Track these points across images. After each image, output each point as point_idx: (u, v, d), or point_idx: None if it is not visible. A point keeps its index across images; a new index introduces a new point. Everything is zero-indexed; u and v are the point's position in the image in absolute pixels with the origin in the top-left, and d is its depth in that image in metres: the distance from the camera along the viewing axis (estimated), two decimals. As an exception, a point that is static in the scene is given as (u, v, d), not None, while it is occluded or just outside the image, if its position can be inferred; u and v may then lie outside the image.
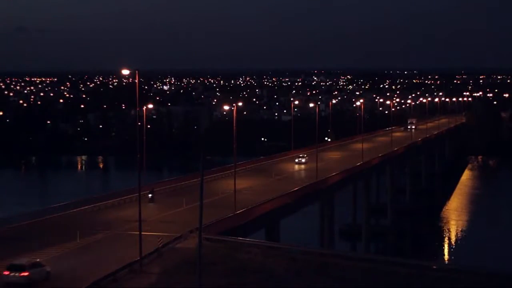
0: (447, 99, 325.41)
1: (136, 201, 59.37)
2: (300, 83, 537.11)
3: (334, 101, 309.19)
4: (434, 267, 53.24)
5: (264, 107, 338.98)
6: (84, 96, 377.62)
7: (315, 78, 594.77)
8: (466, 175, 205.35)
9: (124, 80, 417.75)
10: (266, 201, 74.27)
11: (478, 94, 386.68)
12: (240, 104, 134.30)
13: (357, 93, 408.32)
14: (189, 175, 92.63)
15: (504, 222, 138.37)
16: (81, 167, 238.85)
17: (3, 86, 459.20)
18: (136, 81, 54.98)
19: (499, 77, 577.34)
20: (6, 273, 43.79)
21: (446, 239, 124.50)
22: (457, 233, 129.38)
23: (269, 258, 51.98)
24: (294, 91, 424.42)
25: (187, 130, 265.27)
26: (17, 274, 43.57)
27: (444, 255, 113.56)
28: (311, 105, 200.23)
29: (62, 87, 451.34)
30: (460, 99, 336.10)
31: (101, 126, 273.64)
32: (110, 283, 43.80)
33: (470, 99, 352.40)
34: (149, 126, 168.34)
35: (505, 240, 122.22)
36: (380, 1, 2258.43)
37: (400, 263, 51.19)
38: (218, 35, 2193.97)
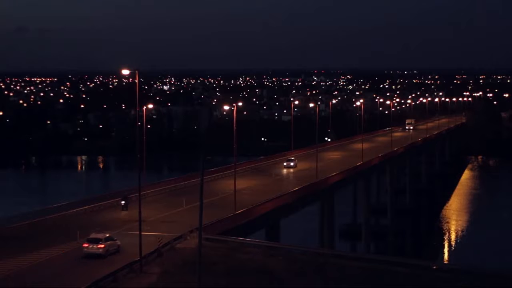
0: (447, 99, 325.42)
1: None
2: (300, 83, 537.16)
3: (334, 101, 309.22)
4: (434, 267, 53.27)
5: (264, 107, 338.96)
6: (84, 96, 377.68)
7: (315, 78, 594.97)
8: (466, 175, 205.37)
9: (124, 80, 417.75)
10: (266, 201, 74.26)
11: (478, 94, 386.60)
12: (240, 104, 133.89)
13: (357, 93, 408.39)
14: (189, 175, 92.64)
15: (504, 222, 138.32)
16: (81, 167, 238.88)
17: (3, 86, 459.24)
18: (136, 81, 55.01)
19: (499, 77, 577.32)
20: (86, 245, 51.41)
21: (446, 239, 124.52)
22: (457, 233, 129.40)
23: (269, 258, 51.98)
24: (294, 91, 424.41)
25: (187, 130, 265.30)
26: (94, 246, 51.21)
27: (444, 255, 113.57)
28: (311, 105, 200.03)
29: (62, 87, 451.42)
30: (460, 99, 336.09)
31: (101, 126, 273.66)
32: (110, 283, 43.82)
33: (470, 99, 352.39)
34: (149, 126, 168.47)
35: (505, 240, 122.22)
36: (380, 1, 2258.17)
37: (400, 263, 51.20)
38: (218, 35, 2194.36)
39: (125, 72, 56.75)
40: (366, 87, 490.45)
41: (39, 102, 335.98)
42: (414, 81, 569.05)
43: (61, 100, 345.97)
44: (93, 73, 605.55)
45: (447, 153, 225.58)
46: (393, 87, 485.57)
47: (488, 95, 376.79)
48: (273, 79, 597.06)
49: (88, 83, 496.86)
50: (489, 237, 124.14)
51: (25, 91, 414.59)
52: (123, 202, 71.73)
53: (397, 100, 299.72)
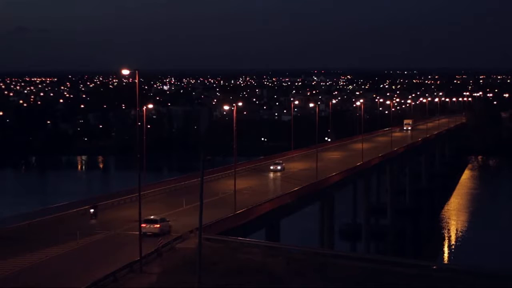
0: (447, 99, 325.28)
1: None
2: (300, 83, 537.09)
3: (334, 101, 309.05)
4: (434, 267, 53.26)
5: (264, 107, 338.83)
6: (84, 96, 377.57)
7: (315, 78, 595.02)
8: (466, 175, 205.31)
9: (124, 80, 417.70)
10: (266, 201, 74.27)
11: (478, 94, 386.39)
12: (240, 104, 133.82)
13: (357, 93, 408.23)
14: (189, 175, 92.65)
15: (504, 222, 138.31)
16: (81, 167, 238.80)
17: (3, 86, 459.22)
18: (136, 81, 55.03)
19: (499, 77, 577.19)
20: (144, 225, 56.54)
21: (446, 239, 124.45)
22: (457, 233, 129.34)
23: (269, 258, 51.96)
24: (294, 91, 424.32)
25: (187, 130, 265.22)
26: (151, 226, 58.68)
27: (444, 255, 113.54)
28: (311, 105, 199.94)
29: (62, 87, 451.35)
30: (460, 99, 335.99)
31: (101, 126, 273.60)
32: (110, 283, 43.82)
33: (470, 99, 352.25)
34: (149, 126, 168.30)
35: (505, 240, 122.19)
36: (380, 2, 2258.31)
37: (400, 263, 51.19)
38: (218, 35, 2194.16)
39: (125, 72, 56.78)
40: (366, 87, 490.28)
41: (39, 102, 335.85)
42: (414, 81, 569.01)
43: (61, 100, 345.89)
44: (93, 73, 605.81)
45: (447, 153, 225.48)
46: (393, 87, 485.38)
47: (488, 95, 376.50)
48: (273, 79, 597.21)
49: (88, 83, 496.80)
50: (489, 237, 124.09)
51: (25, 91, 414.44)
52: (92, 210, 67.88)
53: (397, 100, 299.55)
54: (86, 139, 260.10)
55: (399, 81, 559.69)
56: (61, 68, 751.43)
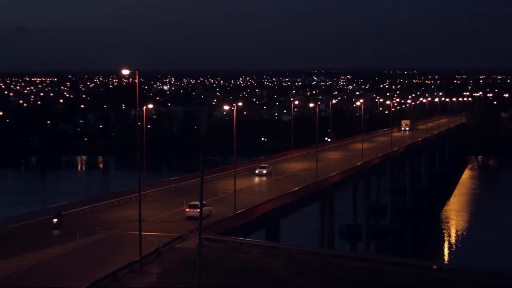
0: (447, 99, 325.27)
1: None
2: (300, 83, 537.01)
3: (334, 101, 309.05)
4: (434, 267, 53.26)
5: (264, 107, 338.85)
6: (84, 96, 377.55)
7: (315, 78, 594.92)
8: (466, 175, 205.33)
9: (124, 80, 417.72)
10: (266, 201, 74.25)
11: (478, 94, 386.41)
12: (240, 104, 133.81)
13: (357, 93, 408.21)
14: (189, 175, 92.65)
15: (504, 222, 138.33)
16: (81, 167, 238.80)
17: (3, 86, 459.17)
18: (136, 81, 54.98)
19: (499, 77, 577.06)
20: (187, 210, 66.47)
21: (446, 239, 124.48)
22: (457, 233, 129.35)
23: (269, 258, 51.97)
24: (294, 91, 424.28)
25: (187, 130, 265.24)
26: (194, 210, 65.03)
27: (444, 255, 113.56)
28: (311, 105, 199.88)
29: (62, 87, 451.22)
30: (460, 99, 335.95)
31: (101, 126, 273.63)
32: (110, 283, 43.81)
33: (470, 99, 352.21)
34: (149, 126, 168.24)
35: (505, 240, 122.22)
36: (381, 2, 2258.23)
37: (400, 263, 51.20)
38: (218, 35, 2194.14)
39: (125, 72, 56.73)
40: (366, 87, 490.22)
41: (39, 102, 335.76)
42: (414, 81, 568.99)
43: (61, 100, 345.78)
44: (93, 73, 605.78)
45: (447, 153, 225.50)
46: (393, 87, 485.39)
47: (488, 95, 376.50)
48: (273, 79, 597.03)
49: (88, 83, 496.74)
50: (489, 237, 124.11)
51: (25, 91, 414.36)
52: (55, 220, 62.32)
53: (397, 100, 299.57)
54: (86, 139, 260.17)
55: (399, 81, 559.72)
56: (61, 68, 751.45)
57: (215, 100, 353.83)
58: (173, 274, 46.42)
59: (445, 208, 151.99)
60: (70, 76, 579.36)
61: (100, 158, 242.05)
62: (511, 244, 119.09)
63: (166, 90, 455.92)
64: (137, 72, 54.84)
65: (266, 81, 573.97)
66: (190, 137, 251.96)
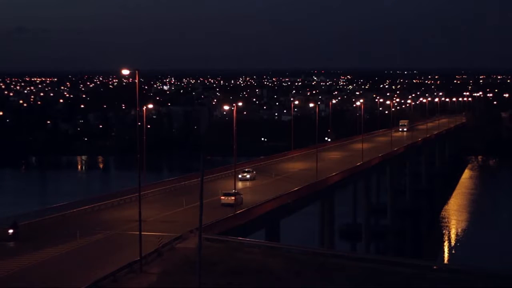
0: (447, 99, 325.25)
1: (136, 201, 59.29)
2: (300, 83, 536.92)
3: (334, 101, 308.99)
4: (434, 267, 53.26)
5: (264, 107, 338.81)
6: (84, 96, 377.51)
7: (315, 78, 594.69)
8: (466, 175, 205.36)
9: (124, 80, 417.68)
10: (266, 201, 74.28)
11: (478, 94, 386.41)
12: (240, 104, 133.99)
13: (357, 93, 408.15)
14: (189, 175, 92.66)
15: (504, 222, 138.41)
16: (81, 167, 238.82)
17: (3, 86, 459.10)
18: (136, 81, 54.95)
19: (499, 77, 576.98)
20: (222, 197, 73.79)
21: (446, 239, 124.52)
22: (457, 233, 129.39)
23: (269, 258, 51.97)
24: (294, 91, 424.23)
25: (187, 130, 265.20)
26: (228, 198, 72.82)
27: (444, 255, 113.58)
28: (311, 105, 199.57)
29: (62, 87, 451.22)
30: (460, 99, 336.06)
31: (101, 126, 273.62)
32: (110, 283, 43.82)
33: (470, 99, 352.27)
34: (149, 126, 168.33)
35: (505, 240, 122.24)
36: (381, 2, 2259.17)
37: (400, 263, 51.20)
38: (218, 35, 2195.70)
39: (125, 72, 56.71)
40: (366, 87, 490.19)
41: (39, 102, 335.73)
42: (414, 81, 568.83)
43: (61, 100, 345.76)
44: (93, 73, 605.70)
45: (447, 153, 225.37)
46: (393, 87, 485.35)
47: (488, 95, 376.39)
48: (273, 79, 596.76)
49: (88, 83, 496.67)
50: (489, 237, 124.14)
51: (25, 91, 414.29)
52: (10, 230, 57.38)
53: (397, 100, 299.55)
54: (86, 139, 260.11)
55: (399, 81, 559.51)
56: (61, 68, 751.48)
57: (215, 100, 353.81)
58: (173, 274, 46.42)
59: (445, 208, 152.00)
60: (70, 76, 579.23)
61: (100, 158, 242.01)
62: (511, 244, 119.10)
63: (166, 90, 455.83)
64: (137, 72, 54.80)
65: (266, 81, 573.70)
66: (190, 137, 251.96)
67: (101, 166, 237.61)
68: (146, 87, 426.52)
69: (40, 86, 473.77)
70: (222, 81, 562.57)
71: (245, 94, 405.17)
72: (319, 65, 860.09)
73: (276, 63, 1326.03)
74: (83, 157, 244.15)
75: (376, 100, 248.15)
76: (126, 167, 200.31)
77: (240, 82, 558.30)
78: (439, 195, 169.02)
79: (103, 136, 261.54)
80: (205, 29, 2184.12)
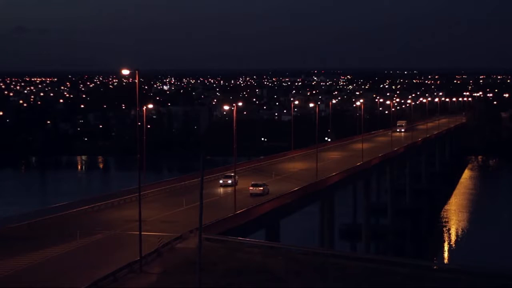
0: (447, 99, 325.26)
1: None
2: (300, 83, 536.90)
3: (334, 101, 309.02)
4: (434, 267, 53.26)
5: (264, 107, 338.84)
6: (84, 96, 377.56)
7: (315, 78, 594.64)
8: (466, 175, 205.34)
9: (124, 80, 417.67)
10: (266, 201, 74.26)
11: (478, 94, 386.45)
12: (240, 104, 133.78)
13: (357, 93, 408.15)
14: (189, 175, 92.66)
15: (504, 222, 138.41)
16: (81, 167, 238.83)
17: (3, 86, 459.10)
18: (136, 81, 54.93)
19: (499, 77, 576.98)
20: (251, 188, 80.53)
21: (446, 239, 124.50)
22: (457, 233, 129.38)
23: (269, 258, 51.96)
24: (294, 91, 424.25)
25: (187, 130, 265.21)
26: (257, 188, 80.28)
27: (444, 255, 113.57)
28: (311, 105, 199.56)
29: (62, 87, 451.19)
30: (460, 99, 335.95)
31: (101, 126, 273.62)
32: (110, 283, 43.81)
33: (470, 99, 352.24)
34: (149, 126, 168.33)
35: (505, 240, 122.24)
36: (381, 2, 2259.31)
37: (400, 263, 51.17)
38: (218, 35, 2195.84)
39: (125, 72, 56.69)
40: (366, 87, 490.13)
41: (39, 102, 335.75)
42: (414, 81, 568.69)
43: (61, 100, 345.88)
44: (93, 73, 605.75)
45: (447, 153, 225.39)
46: (393, 87, 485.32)
47: (488, 95, 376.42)
48: (273, 79, 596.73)
49: (88, 83, 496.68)
50: (489, 237, 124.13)
51: (25, 91, 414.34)
52: None
53: (397, 100, 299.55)
54: (86, 139, 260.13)
55: (399, 81, 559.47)
56: (61, 68, 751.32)
57: (215, 100, 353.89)
58: (173, 274, 46.41)
59: (445, 208, 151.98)
60: (70, 76, 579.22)
61: (100, 158, 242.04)
62: (511, 244, 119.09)
63: (166, 90, 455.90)
64: (137, 72, 54.78)
65: (266, 81, 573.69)
66: (190, 137, 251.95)
67: (101, 166, 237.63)
68: (146, 87, 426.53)
69: (40, 86, 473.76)
70: (222, 81, 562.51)
71: (245, 94, 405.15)
72: (319, 65, 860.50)
73: (276, 63, 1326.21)
74: (83, 157, 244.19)
75: (376, 100, 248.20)
76: (126, 167, 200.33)
77: (240, 82, 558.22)
78: (439, 195, 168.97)
79: (103, 136, 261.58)
80: (205, 29, 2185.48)
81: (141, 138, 75.04)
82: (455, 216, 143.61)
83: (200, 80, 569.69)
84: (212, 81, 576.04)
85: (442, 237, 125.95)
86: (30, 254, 51.54)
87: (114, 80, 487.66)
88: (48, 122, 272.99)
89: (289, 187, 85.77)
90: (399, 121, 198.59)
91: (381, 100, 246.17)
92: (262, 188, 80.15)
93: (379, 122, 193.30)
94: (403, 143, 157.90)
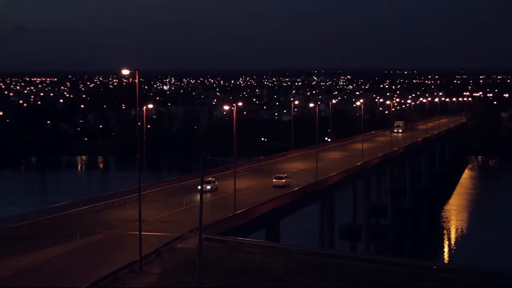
0: (447, 99, 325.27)
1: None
2: (300, 83, 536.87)
3: (334, 101, 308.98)
4: (434, 267, 53.25)
5: (264, 107, 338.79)
6: (84, 96, 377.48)
7: (315, 78, 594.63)
8: (466, 175, 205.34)
9: (124, 80, 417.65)
10: (266, 201, 74.24)
11: (478, 94, 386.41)
12: (240, 104, 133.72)
13: (357, 93, 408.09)
14: (189, 175, 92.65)
15: (504, 222, 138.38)
16: (81, 167, 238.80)
17: (3, 86, 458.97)
18: (136, 81, 54.92)
19: (499, 77, 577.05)
20: (274, 180, 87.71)
21: (446, 239, 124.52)
22: (457, 233, 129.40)
23: (269, 258, 51.97)
24: (294, 91, 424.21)
25: (187, 130, 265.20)
26: (280, 181, 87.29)
27: (444, 255, 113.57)
28: (311, 105, 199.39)
29: (62, 87, 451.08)
30: (460, 99, 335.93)
31: (101, 126, 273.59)
32: (110, 283, 43.81)
33: (470, 99, 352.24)
34: (149, 126, 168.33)
35: (505, 240, 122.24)
36: (381, 2, 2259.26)
37: (400, 263, 51.18)
38: (218, 35, 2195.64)
39: (125, 72, 56.68)
40: (366, 87, 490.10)
41: (39, 102, 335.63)
42: (414, 81, 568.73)
43: (61, 100, 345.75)
44: (93, 73, 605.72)
45: (447, 153, 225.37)
46: (393, 87, 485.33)
47: (488, 95, 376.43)
48: (273, 79, 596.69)
49: (88, 83, 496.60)
50: (489, 237, 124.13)
51: (25, 91, 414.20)
52: None
53: (397, 100, 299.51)
54: (86, 139, 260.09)
55: (399, 81, 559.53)
56: (61, 68, 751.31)
57: (215, 100, 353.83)
58: (173, 274, 46.42)
59: (445, 208, 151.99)
60: (70, 76, 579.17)
61: (100, 158, 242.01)
62: (511, 244, 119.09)
63: (166, 90, 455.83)
64: (137, 72, 54.77)
65: (266, 81, 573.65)
66: (190, 137, 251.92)
67: (101, 166, 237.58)
68: (146, 87, 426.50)
69: (40, 86, 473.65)
70: (222, 81, 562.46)
71: (245, 94, 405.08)
72: (319, 65, 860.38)
73: (276, 63, 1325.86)
74: (83, 157, 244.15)
75: (376, 100, 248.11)
76: (126, 167, 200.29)
77: (240, 82, 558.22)
78: (439, 195, 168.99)
79: (103, 136, 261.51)
80: (205, 29, 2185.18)
81: (141, 138, 75.03)
82: (455, 216, 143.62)
83: (200, 80, 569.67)
84: (212, 81, 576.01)
85: (442, 237, 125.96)
86: (30, 254, 51.53)
87: (114, 80, 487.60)
88: (48, 122, 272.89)
89: (289, 187, 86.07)
90: (396, 122, 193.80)
91: (381, 100, 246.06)
92: (284, 181, 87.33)
93: (379, 122, 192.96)
94: (401, 143, 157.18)
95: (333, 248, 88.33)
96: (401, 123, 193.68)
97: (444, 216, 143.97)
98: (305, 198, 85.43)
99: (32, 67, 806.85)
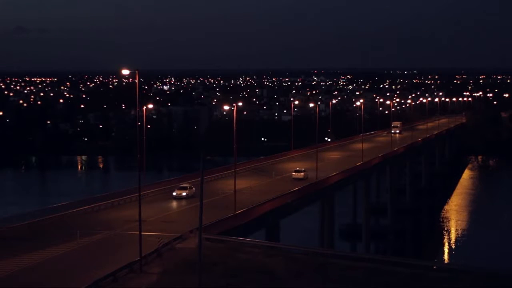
0: (447, 99, 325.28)
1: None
2: (300, 83, 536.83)
3: (334, 101, 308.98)
4: (434, 267, 53.25)
5: (264, 107, 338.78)
6: (84, 96, 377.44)
7: (315, 78, 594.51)
8: (466, 175, 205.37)
9: (124, 80, 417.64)
10: (266, 201, 74.24)
11: (478, 94, 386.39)
12: (240, 104, 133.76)
13: (357, 93, 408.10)
14: (189, 175, 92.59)
15: (504, 222, 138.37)
16: (81, 167, 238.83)
17: (3, 86, 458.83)
18: (136, 81, 54.93)
19: (499, 77, 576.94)
20: (294, 173, 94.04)
21: (446, 239, 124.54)
22: (457, 233, 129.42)
23: (269, 258, 51.97)
24: (294, 91, 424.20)
25: (187, 130, 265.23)
26: (299, 174, 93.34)
27: (444, 255, 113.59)
28: (311, 105, 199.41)
29: (62, 87, 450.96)
30: (460, 99, 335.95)
31: (101, 126, 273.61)
32: (110, 283, 43.82)
33: (470, 99, 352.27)
34: (149, 126, 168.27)
35: (505, 240, 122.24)
36: (380, 2, 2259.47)
37: (400, 263, 51.18)
38: (218, 35, 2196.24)
39: (125, 72, 56.67)
40: (366, 87, 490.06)
41: (39, 102, 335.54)
42: (414, 81, 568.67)
43: (61, 100, 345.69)
44: (93, 73, 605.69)
45: (447, 153, 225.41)
46: (393, 87, 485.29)
47: (488, 95, 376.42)
48: (273, 79, 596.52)
49: (88, 83, 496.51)
50: (489, 237, 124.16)
51: (25, 91, 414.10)
52: None
53: (397, 100, 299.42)
54: (86, 139, 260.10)
55: (399, 81, 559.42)
56: (61, 68, 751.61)
57: (215, 100, 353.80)
58: (173, 274, 46.42)
59: (445, 208, 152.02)
60: (70, 76, 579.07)
61: (100, 158, 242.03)
62: (511, 244, 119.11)
63: (166, 90, 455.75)
64: (137, 72, 54.77)
65: (266, 81, 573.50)
66: (190, 137, 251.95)
67: (101, 166, 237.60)
68: (146, 87, 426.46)
69: (40, 86, 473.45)
70: (222, 81, 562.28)
71: (245, 94, 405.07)
72: (319, 65, 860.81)
73: (276, 63, 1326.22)
74: (83, 157, 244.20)
75: (376, 100, 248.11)
76: (126, 167, 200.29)
77: (240, 82, 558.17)
78: (439, 195, 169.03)
79: (103, 136, 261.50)
80: (205, 29, 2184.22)
81: (141, 138, 74.98)
82: (455, 216, 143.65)
83: (200, 80, 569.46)
84: (212, 81, 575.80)
85: (442, 237, 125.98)
86: (30, 254, 51.54)
87: (114, 80, 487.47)
88: (48, 122, 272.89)
89: (289, 187, 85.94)
90: (394, 122, 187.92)
91: (381, 100, 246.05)
92: (303, 174, 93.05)
93: (379, 122, 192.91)
94: (398, 144, 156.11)
95: (333, 248, 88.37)
96: (398, 123, 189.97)
97: (444, 216, 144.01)
98: (305, 198, 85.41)
99: (32, 67, 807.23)
